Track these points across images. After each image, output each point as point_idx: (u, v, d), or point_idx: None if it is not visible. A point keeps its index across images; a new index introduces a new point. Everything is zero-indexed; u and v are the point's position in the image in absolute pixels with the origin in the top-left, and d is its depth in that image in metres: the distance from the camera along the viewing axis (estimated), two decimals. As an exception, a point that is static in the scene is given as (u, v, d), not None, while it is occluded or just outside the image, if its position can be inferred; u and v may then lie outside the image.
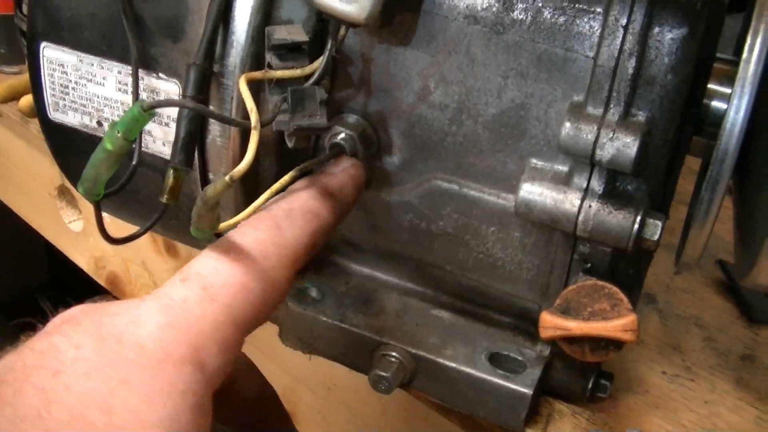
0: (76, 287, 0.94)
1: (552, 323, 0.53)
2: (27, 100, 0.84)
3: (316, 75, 0.52)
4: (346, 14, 0.50)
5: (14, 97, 0.85)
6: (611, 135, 0.50)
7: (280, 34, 0.52)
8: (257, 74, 0.51)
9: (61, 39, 0.58)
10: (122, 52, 0.56)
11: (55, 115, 0.61)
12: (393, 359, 0.61)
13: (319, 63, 0.52)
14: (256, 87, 0.52)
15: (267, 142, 0.56)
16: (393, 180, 0.59)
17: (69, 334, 0.38)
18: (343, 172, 0.54)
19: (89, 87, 0.58)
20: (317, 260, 0.67)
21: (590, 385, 0.61)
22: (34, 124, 0.88)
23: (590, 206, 0.52)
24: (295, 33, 0.52)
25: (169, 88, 0.55)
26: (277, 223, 0.48)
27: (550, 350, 0.61)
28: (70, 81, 0.58)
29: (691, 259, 0.55)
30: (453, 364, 0.60)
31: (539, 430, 0.61)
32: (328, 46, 0.52)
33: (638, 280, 0.57)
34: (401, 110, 0.56)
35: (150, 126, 0.56)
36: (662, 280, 0.75)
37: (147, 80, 0.56)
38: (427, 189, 0.58)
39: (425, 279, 0.64)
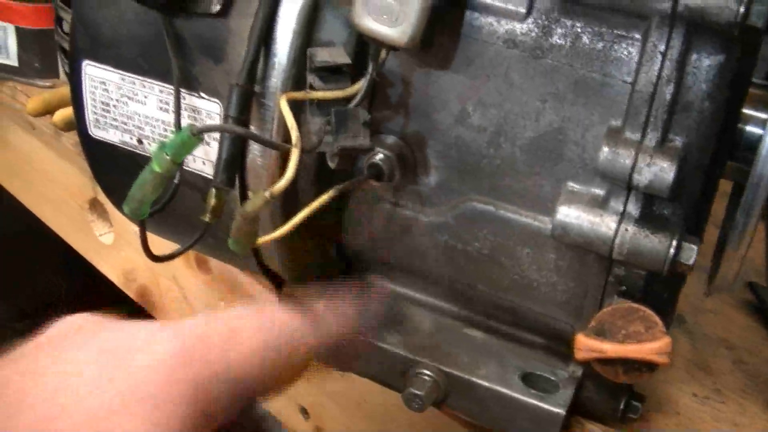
0: (95, 297, 0.95)
1: (587, 345, 0.54)
2: (61, 114, 0.85)
3: (358, 97, 0.53)
4: (388, 38, 0.51)
5: (48, 110, 0.86)
6: (649, 160, 0.50)
7: (323, 56, 0.53)
8: (298, 94, 0.52)
9: (103, 57, 0.59)
10: (164, 71, 0.57)
11: (95, 132, 0.61)
12: (427, 378, 0.62)
13: (361, 85, 0.53)
14: (296, 108, 0.52)
15: (306, 161, 0.57)
16: (428, 201, 0.60)
17: (76, 347, 0.37)
18: None
19: (130, 105, 0.59)
20: (348, 277, 0.68)
21: (622, 406, 0.61)
22: (67, 138, 0.89)
23: (627, 230, 0.52)
24: (337, 55, 0.53)
25: (210, 107, 0.56)
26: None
27: (583, 371, 0.62)
28: (112, 99, 0.59)
29: (724, 282, 0.55)
30: (486, 383, 0.61)
31: (572, 450, 0.61)
32: (369, 68, 0.53)
33: (672, 303, 0.58)
34: (439, 132, 0.57)
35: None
36: (691, 301, 0.75)
37: (188, 99, 0.57)
38: (463, 210, 0.58)
39: (458, 298, 0.65)
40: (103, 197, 0.88)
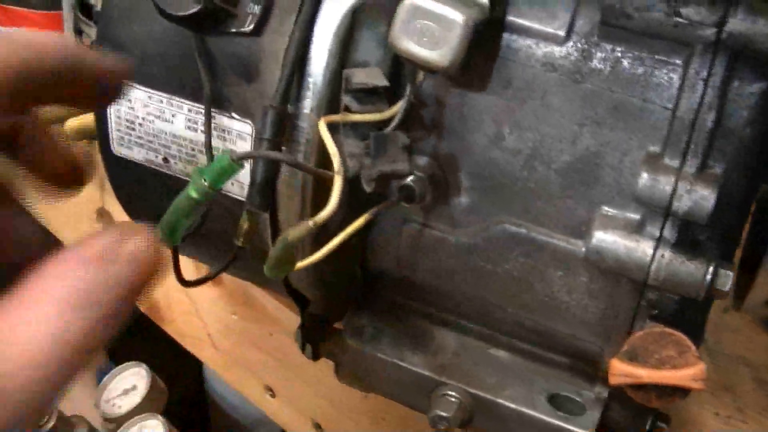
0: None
1: (622, 371, 0.53)
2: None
3: (396, 120, 0.52)
4: (429, 61, 0.50)
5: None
6: (689, 187, 0.50)
7: (359, 77, 0.52)
8: (336, 117, 0.52)
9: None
10: (193, 90, 0.56)
11: (119, 150, 0.60)
12: (453, 399, 0.62)
13: (398, 108, 0.52)
14: (330, 130, 0.52)
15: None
16: (459, 222, 0.59)
17: None
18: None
19: (157, 123, 0.58)
20: (371, 296, 0.67)
21: (648, 427, 0.61)
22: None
23: (663, 256, 0.52)
24: (373, 76, 0.53)
25: (242, 128, 0.55)
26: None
27: (609, 392, 0.61)
28: (137, 116, 0.58)
29: (756, 303, 0.55)
30: (513, 405, 0.61)
31: (597, 472, 0.61)
32: (407, 91, 0.52)
33: (701, 326, 0.57)
34: (472, 153, 0.56)
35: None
36: (711, 319, 0.75)
37: (218, 119, 0.56)
38: (495, 232, 0.58)
39: (483, 318, 0.65)
40: (110, 206, 0.87)
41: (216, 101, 0.55)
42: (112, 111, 0.59)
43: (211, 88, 0.55)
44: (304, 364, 0.78)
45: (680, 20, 0.48)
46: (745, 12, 0.47)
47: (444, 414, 0.61)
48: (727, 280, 0.52)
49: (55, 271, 0.32)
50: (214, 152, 0.56)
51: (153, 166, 0.60)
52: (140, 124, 0.59)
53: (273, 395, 0.84)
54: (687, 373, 0.52)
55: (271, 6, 0.54)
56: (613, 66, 0.52)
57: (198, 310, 0.86)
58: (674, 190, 0.50)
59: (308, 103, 0.53)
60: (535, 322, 0.61)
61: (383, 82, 0.52)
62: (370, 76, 0.53)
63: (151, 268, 0.34)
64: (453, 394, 0.62)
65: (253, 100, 0.55)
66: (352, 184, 0.54)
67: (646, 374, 0.53)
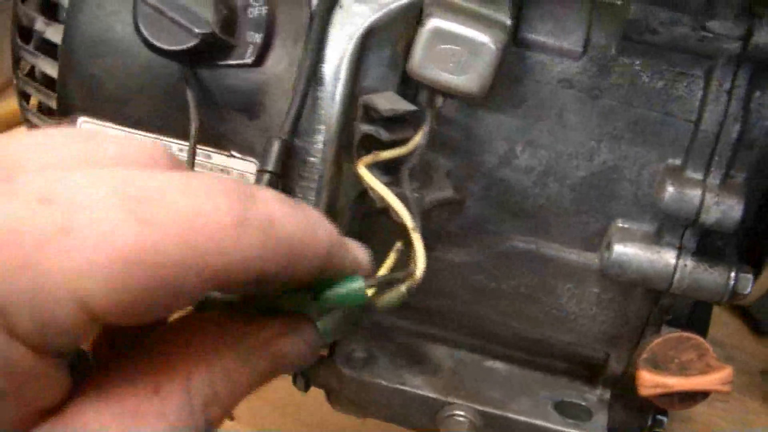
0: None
1: (653, 382, 0.54)
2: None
3: (419, 148, 0.49)
4: (456, 87, 0.48)
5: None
6: (716, 199, 0.50)
7: (383, 104, 0.49)
8: (369, 159, 0.48)
9: (104, 113, 0.52)
10: (182, 127, 0.51)
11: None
12: (462, 419, 0.60)
13: (422, 135, 0.49)
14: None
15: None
16: (462, 241, 0.57)
17: None
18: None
19: (139, 165, 0.52)
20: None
21: (649, 423, 0.62)
22: None
23: (686, 265, 0.52)
24: (396, 102, 0.49)
25: (244, 167, 0.51)
26: None
27: (610, 393, 0.62)
28: (114, 159, 0.52)
29: (753, 297, 0.57)
30: (523, 418, 0.60)
31: (607, 473, 0.62)
32: (427, 117, 0.50)
33: (708, 322, 0.59)
34: (480, 173, 0.54)
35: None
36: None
37: (216, 159, 0.51)
38: (503, 250, 0.57)
39: (478, 332, 0.63)
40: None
41: (213, 140, 0.50)
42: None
43: (205, 125, 0.50)
44: (267, 387, 0.75)
45: (706, 34, 0.48)
46: (771, 24, 0.47)
47: (458, 436, 0.59)
48: (748, 283, 0.53)
49: (198, 353, 0.30)
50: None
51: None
52: (117, 167, 0.53)
53: (231, 418, 0.80)
54: (715, 378, 0.53)
55: (272, 34, 0.49)
56: (632, 80, 0.51)
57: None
58: (702, 203, 0.50)
59: (320, 137, 0.50)
60: (538, 334, 0.61)
61: (410, 106, 0.49)
62: (393, 102, 0.49)
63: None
64: (460, 413, 0.60)
65: (256, 136, 0.50)
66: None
67: (676, 382, 0.54)
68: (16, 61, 0.57)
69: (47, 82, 0.56)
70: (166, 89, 0.50)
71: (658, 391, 0.54)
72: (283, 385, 0.62)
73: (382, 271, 0.48)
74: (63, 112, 0.52)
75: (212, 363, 0.30)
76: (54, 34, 0.55)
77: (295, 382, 0.63)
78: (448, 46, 0.47)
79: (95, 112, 0.52)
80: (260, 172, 0.48)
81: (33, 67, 0.59)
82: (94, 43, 0.51)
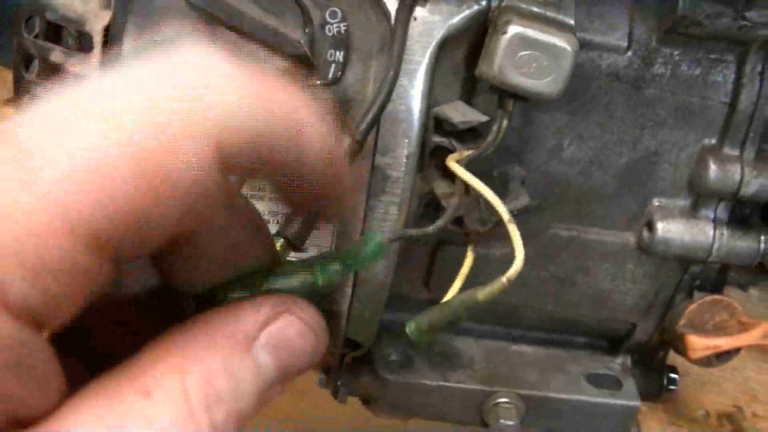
0: None
1: (703, 345, 0.58)
2: None
3: (494, 150, 0.50)
4: (536, 91, 0.49)
5: None
6: (755, 173, 0.55)
7: (456, 116, 0.49)
8: (456, 157, 0.49)
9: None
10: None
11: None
12: (507, 405, 0.62)
13: (492, 140, 0.50)
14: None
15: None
16: (503, 234, 0.59)
17: None
18: None
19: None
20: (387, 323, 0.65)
21: (665, 383, 0.67)
22: None
23: (722, 234, 0.57)
24: (467, 113, 0.50)
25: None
26: None
27: (630, 359, 0.66)
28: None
29: None
30: (565, 396, 0.63)
31: (636, 433, 0.66)
32: (499, 121, 0.50)
33: (725, 282, 0.63)
34: (527, 167, 0.56)
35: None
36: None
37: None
38: (544, 238, 0.59)
39: (505, 319, 0.65)
40: None
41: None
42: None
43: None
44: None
45: (744, 23, 0.52)
46: (800, 11, 0.52)
47: (510, 423, 0.61)
48: (775, 245, 0.58)
49: (190, 350, 0.27)
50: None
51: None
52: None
53: None
54: (758, 333, 0.58)
55: (349, 51, 0.48)
56: (673, 70, 0.54)
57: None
58: (742, 177, 0.55)
59: (404, 151, 0.49)
60: (570, 313, 0.63)
61: (482, 117, 0.50)
62: (464, 112, 0.50)
63: (309, 357, 0.30)
64: (505, 400, 0.62)
65: (338, 156, 0.49)
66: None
67: (724, 342, 0.58)
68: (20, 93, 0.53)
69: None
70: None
71: (708, 352, 0.58)
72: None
73: (450, 294, 0.49)
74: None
75: (207, 358, 0.27)
76: (79, 65, 0.50)
77: (336, 396, 0.63)
78: (529, 52, 0.48)
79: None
80: None
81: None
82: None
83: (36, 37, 0.52)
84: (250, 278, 0.32)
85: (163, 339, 0.28)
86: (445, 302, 0.48)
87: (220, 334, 0.28)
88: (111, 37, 0.49)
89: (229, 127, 0.25)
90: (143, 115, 0.24)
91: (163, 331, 0.28)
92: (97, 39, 0.50)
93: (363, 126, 0.47)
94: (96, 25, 0.51)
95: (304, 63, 0.46)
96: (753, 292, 0.75)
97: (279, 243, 0.47)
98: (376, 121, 0.48)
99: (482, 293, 0.46)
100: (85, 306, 0.25)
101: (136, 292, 0.33)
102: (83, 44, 0.51)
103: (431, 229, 0.48)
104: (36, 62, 0.53)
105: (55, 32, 0.53)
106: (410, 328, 0.48)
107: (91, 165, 0.23)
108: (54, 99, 0.25)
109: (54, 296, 0.24)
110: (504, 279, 0.45)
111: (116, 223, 0.24)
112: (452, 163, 0.48)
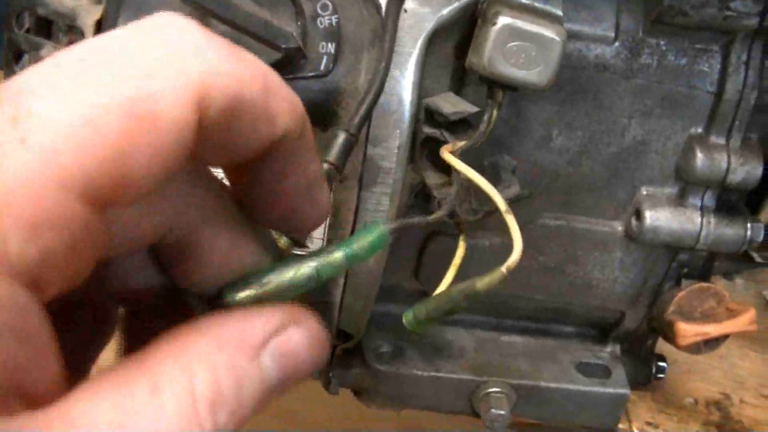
0: None
1: (692, 332, 0.59)
2: None
3: (485, 142, 0.51)
4: (526, 81, 0.49)
5: None
6: (741, 161, 0.56)
7: (448, 107, 0.50)
8: (450, 147, 0.49)
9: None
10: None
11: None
12: (498, 395, 0.63)
13: (482, 131, 0.51)
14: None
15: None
16: (492, 224, 0.59)
17: None
18: None
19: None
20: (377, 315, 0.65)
21: (653, 370, 0.68)
22: None
23: (710, 222, 0.58)
24: (458, 103, 0.51)
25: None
26: None
27: (619, 347, 0.67)
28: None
29: None
30: (555, 385, 0.63)
31: (626, 421, 0.67)
32: (490, 112, 0.51)
33: (712, 269, 0.64)
34: (515, 158, 0.57)
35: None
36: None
37: (287, 174, 0.50)
38: (533, 228, 0.59)
39: (494, 309, 0.66)
40: None
41: (284, 155, 0.49)
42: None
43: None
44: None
45: (729, 13, 0.53)
46: (783, 1, 0.53)
47: (501, 412, 0.62)
48: (760, 232, 0.59)
49: (199, 351, 0.28)
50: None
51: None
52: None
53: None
54: (743, 319, 0.59)
55: (341, 42, 0.48)
56: (659, 59, 0.55)
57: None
58: (729, 165, 0.56)
59: (395, 142, 0.50)
60: (560, 302, 0.64)
61: (472, 108, 0.50)
62: (455, 103, 0.50)
63: (310, 367, 0.31)
64: (496, 389, 0.63)
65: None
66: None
67: (713, 329, 0.59)
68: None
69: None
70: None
71: (697, 339, 0.59)
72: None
73: (443, 284, 0.50)
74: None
75: (215, 360, 0.28)
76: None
77: (327, 388, 0.63)
78: (518, 42, 0.49)
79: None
80: (326, 162, 0.47)
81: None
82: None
83: (27, 32, 0.53)
84: (256, 276, 0.33)
85: (172, 336, 0.28)
86: (443, 292, 0.48)
87: (229, 338, 0.29)
88: (103, 31, 0.49)
89: (207, 77, 0.26)
90: (129, 68, 0.26)
91: (171, 329, 0.29)
92: (89, 34, 0.51)
93: (357, 119, 0.47)
94: (87, 20, 0.51)
95: (296, 55, 0.46)
96: (738, 281, 0.76)
97: (282, 240, 0.47)
98: (369, 114, 0.48)
99: (481, 283, 0.46)
100: (81, 273, 0.26)
101: (144, 289, 0.33)
102: (74, 39, 0.51)
103: (432, 218, 0.48)
104: (27, 57, 0.53)
105: (46, 27, 0.53)
106: (407, 318, 0.49)
107: (85, 120, 0.24)
108: (52, 59, 0.26)
109: (51, 252, 0.24)
110: (503, 268, 0.45)
111: (106, 172, 0.25)
112: (447, 154, 0.48)
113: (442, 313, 0.48)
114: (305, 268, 0.34)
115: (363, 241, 0.38)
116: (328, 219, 0.51)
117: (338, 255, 0.35)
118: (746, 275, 0.77)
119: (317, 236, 0.51)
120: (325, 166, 0.46)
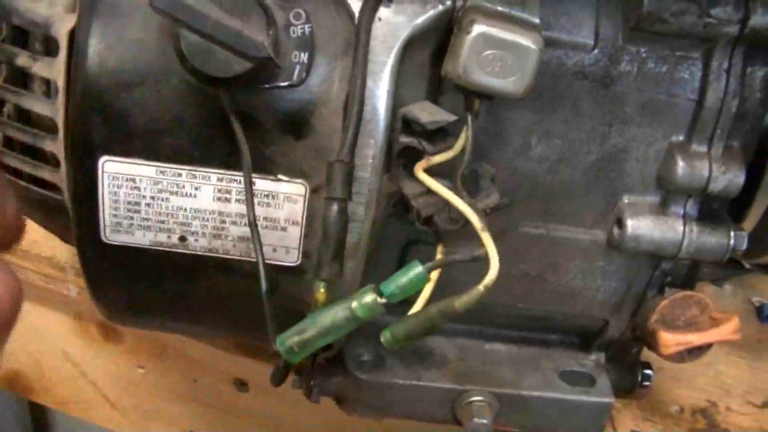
0: None
1: (675, 341, 0.58)
2: None
3: (468, 154, 0.50)
4: (502, 90, 0.49)
5: None
6: (723, 169, 0.55)
7: (424, 116, 0.50)
8: (423, 164, 0.49)
9: (132, 150, 0.48)
10: (224, 156, 0.49)
11: (112, 237, 0.51)
12: (480, 403, 0.62)
13: (464, 140, 0.50)
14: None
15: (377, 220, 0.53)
16: (469, 232, 0.59)
17: None
18: None
19: (173, 200, 0.50)
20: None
21: (639, 379, 0.67)
22: None
23: (692, 230, 0.57)
24: (436, 113, 0.50)
25: (292, 190, 0.50)
26: None
27: (604, 356, 0.66)
28: (144, 197, 0.49)
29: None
30: (537, 393, 0.63)
31: (610, 429, 0.66)
32: (469, 121, 0.51)
33: (696, 277, 0.64)
34: (496, 167, 0.56)
35: (262, 232, 0.50)
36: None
37: (261, 184, 0.49)
38: (513, 236, 0.59)
39: (477, 317, 0.65)
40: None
41: (257, 164, 0.49)
42: (107, 196, 0.49)
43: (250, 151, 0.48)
44: (233, 400, 0.74)
45: (710, 20, 0.52)
46: (764, 8, 0.52)
47: (483, 421, 0.61)
48: (743, 240, 0.58)
49: None
50: (259, 222, 0.49)
51: (162, 248, 0.51)
52: (148, 205, 0.50)
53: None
54: (728, 328, 0.59)
55: (314, 52, 0.48)
56: (639, 67, 0.54)
57: (85, 373, 0.75)
58: (710, 173, 0.55)
59: (370, 152, 0.49)
60: (542, 311, 0.64)
61: (450, 116, 0.50)
62: (432, 112, 0.50)
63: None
64: (478, 398, 0.62)
65: (304, 156, 0.49)
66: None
67: (696, 338, 0.58)
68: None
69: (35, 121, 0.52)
70: (206, 117, 0.48)
71: (680, 348, 0.59)
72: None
73: (424, 294, 0.50)
74: (83, 153, 0.48)
75: None
76: (45, 69, 0.50)
77: (309, 396, 0.63)
78: (493, 51, 0.48)
79: (122, 150, 0.48)
80: (328, 199, 0.48)
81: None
82: (117, 76, 0.47)
83: (2, 41, 0.52)
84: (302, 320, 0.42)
85: None
86: (421, 311, 0.48)
87: None
88: (76, 39, 0.49)
89: None
90: None
91: None
92: (63, 43, 0.50)
93: (347, 146, 0.47)
94: (61, 29, 0.51)
95: (268, 65, 0.46)
96: (727, 287, 0.76)
97: (321, 285, 0.48)
98: (356, 136, 0.48)
99: (459, 302, 0.46)
100: None
101: None
102: (49, 48, 0.51)
103: (461, 257, 0.48)
104: (2, 67, 0.53)
105: (22, 37, 0.53)
106: (385, 336, 0.49)
107: None
108: None
109: None
110: (481, 287, 0.45)
111: None
112: (421, 173, 0.48)
113: (421, 333, 0.48)
114: (343, 311, 0.43)
115: (400, 281, 0.41)
116: (303, 228, 0.51)
117: (373, 296, 0.40)
118: (735, 281, 0.76)
119: (292, 246, 0.51)
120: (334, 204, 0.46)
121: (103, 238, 0.51)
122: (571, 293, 0.62)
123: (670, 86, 0.55)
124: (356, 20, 0.48)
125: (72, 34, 0.50)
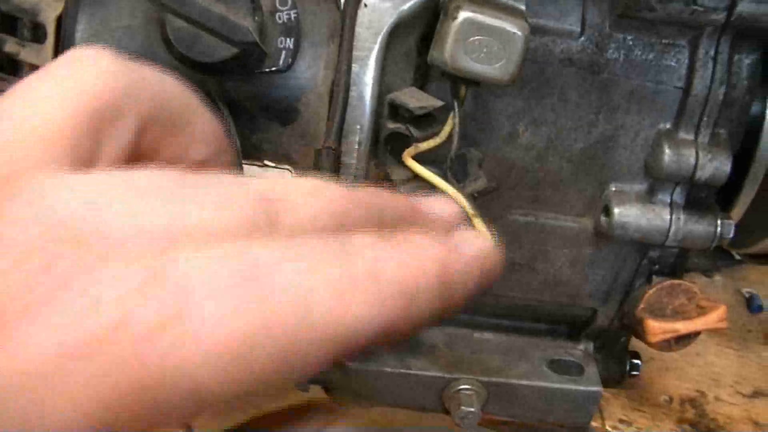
0: None
1: (662, 329, 0.59)
2: None
3: (455, 140, 0.50)
4: (488, 76, 0.49)
5: None
6: (710, 156, 0.55)
7: (412, 102, 0.50)
8: (412, 151, 0.49)
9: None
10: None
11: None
12: (469, 392, 0.62)
13: (451, 126, 0.51)
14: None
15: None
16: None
17: None
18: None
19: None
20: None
21: (627, 368, 0.68)
22: None
23: (679, 218, 0.57)
24: (423, 99, 0.50)
25: (278, 176, 0.50)
26: None
27: (593, 345, 0.66)
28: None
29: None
30: (526, 382, 0.63)
31: (599, 419, 0.66)
32: (455, 107, 0.51)
33: (684, 266, 0.64)
34: (483, 154, 0.56)
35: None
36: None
37: (247, 170, 0.49)
38: (502, 224, 0.59)
39: (469, 305, 0.65)
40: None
41: (244, 151, 0.49)
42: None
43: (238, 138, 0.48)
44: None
45: (696, 7, 0.52)
46: (750, -5, 0.52)
47: (471, 409, 0.61)
48: (730, 228, 0.58)
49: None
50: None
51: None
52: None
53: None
54: (713, 316, 0.59)
55: (301, 37, 0.48)
56: (626, 54, 0.55)
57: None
58: (697, 161, 0.55)
59: (356, 137, 0.50)
60: (531, 300, 0.64)
61: (437, 102, 0.50)
62: (420, 98, 0.50)
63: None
64: (467, 387, 0.62)
65: (291, 143, 0.49)
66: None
67: (682, 326, 0.59)
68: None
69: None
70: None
71: (667, 336, 0.59)
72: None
73: None
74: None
75: None
76: (33, 56, 0.51)
77: (297, 385, 0.63)
78: (479, 37, 0.48)
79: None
80: None
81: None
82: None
83: (-10, 28, 0.52)
84: None
85: None
86: None
87: None
88: (63, 26, 0.49)
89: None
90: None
91: None
92: (50, 29, 0.50)
93: (333, 133, 0.48)
94: (49, 15, 0.51)
95: (254, 51, 0.46)
96: (717, 278, 0.76)
97: None
98: (342, 123, 0.48)
99: None
100: None
101: None
102: (37, 35, 0.51)
103: None
104: (-10, 53, 0.53)
105: (11, 23, 0.53)
106: None
107: None
108: None
109: None
110: None
111: None
112: (409, 160, 0.48)
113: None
114: None
115: None
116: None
117: None
118: (725, 272, 0.77)
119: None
120: None
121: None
122: (560, 282, 0.62)
123: (657, 74, 0.55)
124: (342, 6, 0.48)
125: (60, 21, 0.50)
